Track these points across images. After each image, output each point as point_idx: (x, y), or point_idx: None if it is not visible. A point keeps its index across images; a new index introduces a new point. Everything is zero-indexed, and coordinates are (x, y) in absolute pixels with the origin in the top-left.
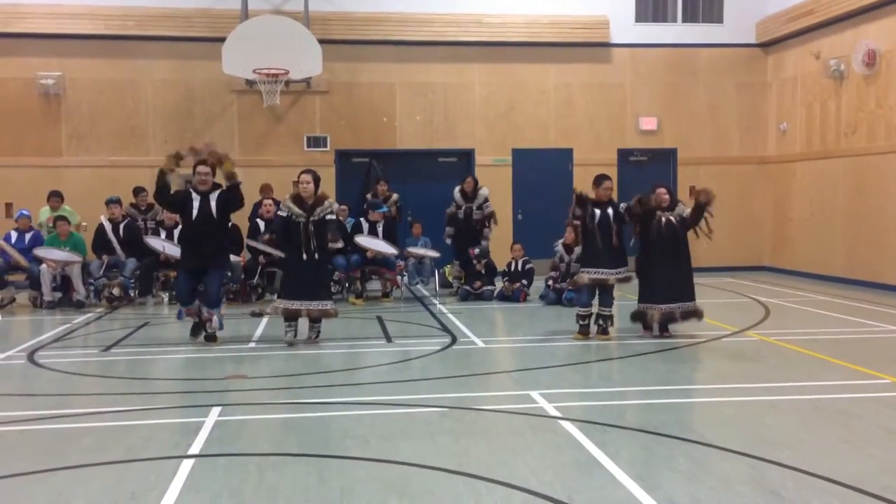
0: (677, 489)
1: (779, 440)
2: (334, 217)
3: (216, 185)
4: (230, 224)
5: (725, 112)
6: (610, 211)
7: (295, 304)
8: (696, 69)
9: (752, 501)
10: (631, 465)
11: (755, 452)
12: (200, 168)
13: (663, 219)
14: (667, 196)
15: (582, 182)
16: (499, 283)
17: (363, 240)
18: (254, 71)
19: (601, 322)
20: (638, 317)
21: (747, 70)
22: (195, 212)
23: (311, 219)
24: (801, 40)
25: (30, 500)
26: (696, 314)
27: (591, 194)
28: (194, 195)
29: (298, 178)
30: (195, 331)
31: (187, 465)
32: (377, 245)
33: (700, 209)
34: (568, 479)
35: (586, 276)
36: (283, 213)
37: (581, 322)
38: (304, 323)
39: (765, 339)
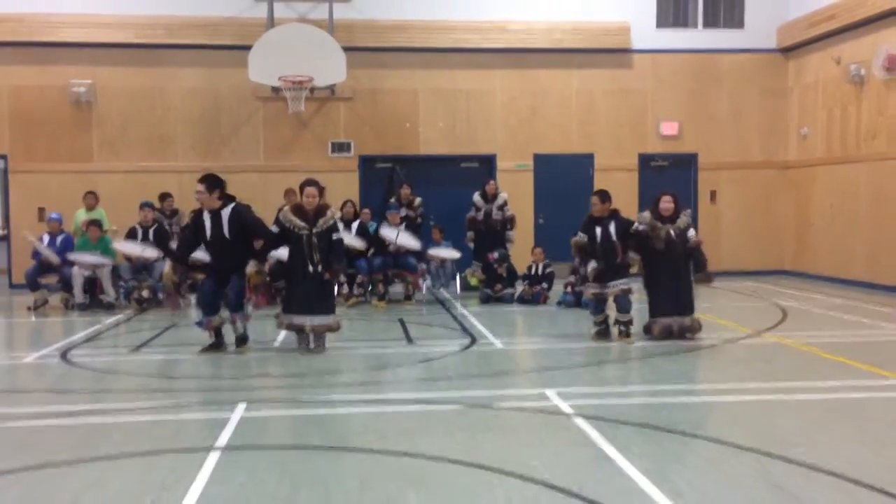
0: (684, 483)
1: (787, 438)
2: (339, 234)
3: (227, 201)
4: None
5: (747, 117)
6: (612, 228)
7: (297, 320)
8: (717, 74)
9: (758, 495)
10: (640, 459)
11: (763, 449)
12: (197, 187)
13: (663, 232)
14: (671, 206)
15: (602, 186)
16: (519, 287)
17: (386, 231)
18: (279, 78)
19: (622, 327)
20: (646, 329)
21: (768, 75)
22: (208, 233)
23: (315, 230)
24: (821, 45)
25: (66, 487)
26: (692, 329)
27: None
28: (205, 214)
29: (302, 189)
30: (208, 348)
31: (213, 457)
32: (400, 237)
33: (699, 261)
34: (578, 472)
35: (589, 290)
36: (275, 230)
37: (598, 327)
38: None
39: (781, 340)
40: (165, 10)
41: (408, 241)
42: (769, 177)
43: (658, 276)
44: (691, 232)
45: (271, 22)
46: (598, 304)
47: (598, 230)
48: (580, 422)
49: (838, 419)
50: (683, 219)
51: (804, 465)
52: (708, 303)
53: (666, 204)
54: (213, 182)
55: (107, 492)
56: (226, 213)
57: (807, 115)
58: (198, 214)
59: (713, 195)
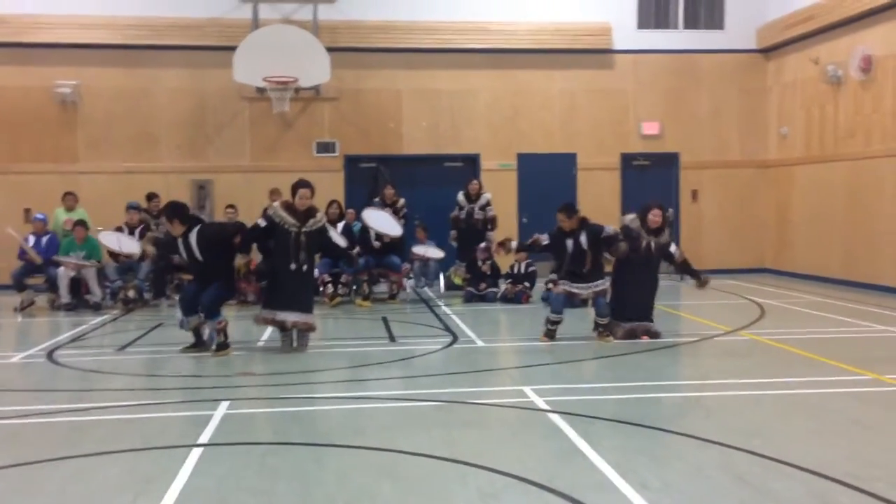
0: (650, 474)
1: (752, 430)
2: (329, 234)
3: (191, 224)
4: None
5: (727, 117)
6: (583, 238)
7: (280, 315)
8: (697, 75)
9: (719, 485)
10: (610, 452)
11: (728, 442)
12: (162, 219)
13: (643, 242)
14: (659, 220)
15: (585, 185)
16: (502, 286)
17: (369, 216)
18: (264, 79)
19: (600, 328)
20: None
21: (748, 75)
22: (184, 255)
23: (304, 229)
24: (800, 46)
25: (49, 481)
26: (658, 334)
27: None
28: (178, 240)
29: (295, 189)
30: (189, 347)
31: (196, 452)
32: (382, 220)
33: (692, 272)
34: (550, 465)
35: (561, 286)
36: (262, 223)
37: (549, 326)
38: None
39: (756, 338)
40: (151, 12)
41: (389, 223)
42: (749, 176)
43: (627, 281)
44: (673, 247)
45: (256, 23)
46: (564, 303)
47: (570, 242)
48: (555, 417)
49: (803, 413)
50: (666, 235)
51: (766, 457)
52: (687, 300)
53: (654, 217)
54: (171, 211)
55: (91, 485)
56: (192, 237)
57: (786, 115)
58: (173, 239)
59: (694, 194)
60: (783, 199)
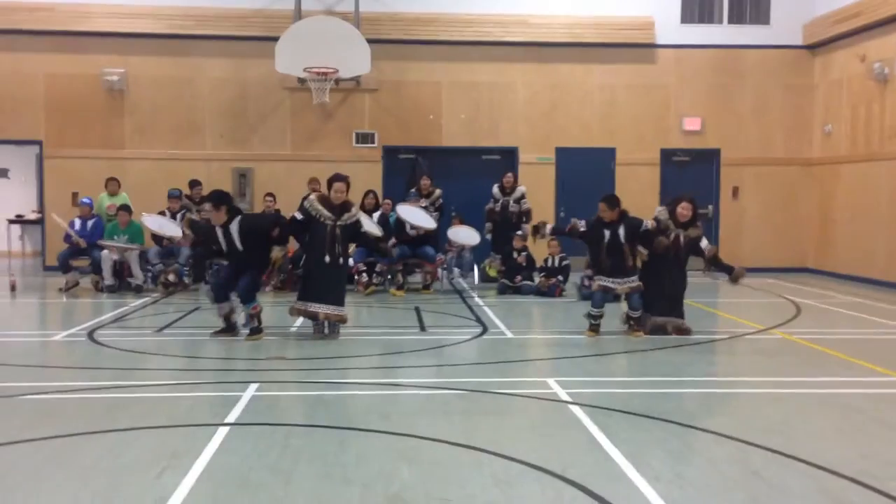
0: (664, 467)
1: (773, 428)
2: (364, 228)
3: (233, 214)
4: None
5: (770, 113)
6: (621, 231)
7: (313, 307)
8: (741, 70)
9: (732, 479)
10: (626, 445)
11: (746, 438)
12: (205, 206)
13: (672, 235)
14: (689, 213)
15: (623, 180)
16: (537, 279)
17: (403, 211)
18: (304, 69)
19: (631, 322)
20: (638, 321)
21: (793, 72)
22: (224, 246)
23: (339, 223)
24: (847, 42)
25: (85, 455)
26: (688, 331)
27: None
28: (217, 229)
29: (330, 183)
30: (219, 332)
31: (223, 431)
32: (416, 215)
33: (724, 267)
34: (565, 455)
35: (597, 282)
36: (299, 217)
37: (592, 321)
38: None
39: (788, 337)
40: (196, 2)
41: (423, 218)
42: (792, 173)
43: (656, 275)
44: (704, 242)
45: (298, 14)
46: (604, 298)
47: (607, 233)
48: (575, 409)
49: (825, 412)
50: (695, 230)
51: (782, 454)
52: (723, 298)
53: (683, 210)
54: (220, 199)
55: (123, 459)
56: (234, 227)
57: (831, 113)
58: (212, 227)
59: (735, 191)
60: (826, 198)
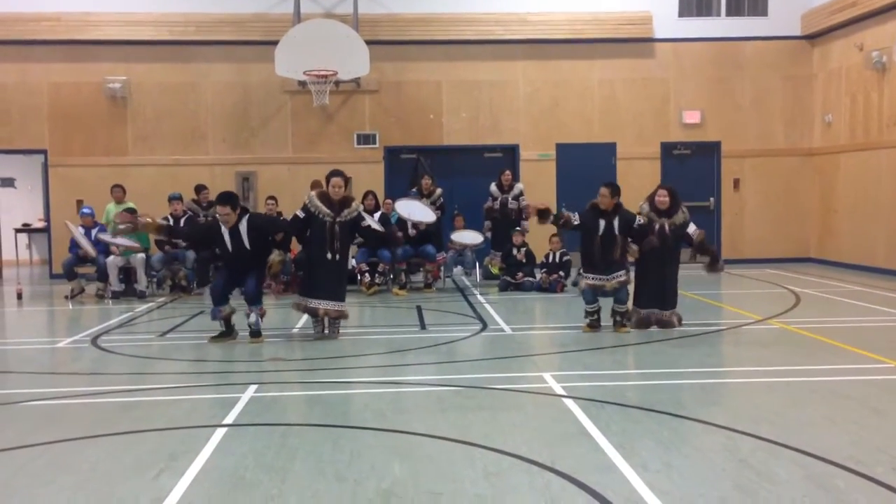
0: (653, 456)
1: (762, 416)
2: (366, 221)
3: (243, 214)
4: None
5: (770, 105)
6: (616, 222)
7: (313, 303)
8: (740, 62)
9: (719, 467)
10: (617, 436)
11: (736, 426)
12: (220, 209)
13: (656, 225)
14: (666, 199)
15: (625, 175)
16: (537, 275)
17: (401, 206)
18: (304, 72)
19: (617, 317)
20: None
21: (792, 62)
22: (229, 246)
23: (338, 219)
24: (845, 32)
25: (86, 458)
26: (671, 324)
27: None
28: (224, 229)
29: (328, 179)
30: (218, 336)
31: (220, 432)
32: (415, 208)
33: (709, 254)
34: (556, 447)
35: (584, 281)
36: (300, 215)
37: (590, 318)
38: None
39: (785, 327)
40: (197, 8)
41: (422, 211)
42: (793, 164)
43: (646, 268)
44: (692, 227)
45: (298, 17)
46: (594, 294)
47: (602, 223)
48: (568, 402)
49: (816, 400)
50: (680, 215)
51: (771, 442)
52: (723, 290)
53: (661, 198)
54: (229, 199)
55: (121, 462)
56: (243, 226)
57: (830, 102)
58: (216, 229)
59: (736, 183)
60: (827, 188)
